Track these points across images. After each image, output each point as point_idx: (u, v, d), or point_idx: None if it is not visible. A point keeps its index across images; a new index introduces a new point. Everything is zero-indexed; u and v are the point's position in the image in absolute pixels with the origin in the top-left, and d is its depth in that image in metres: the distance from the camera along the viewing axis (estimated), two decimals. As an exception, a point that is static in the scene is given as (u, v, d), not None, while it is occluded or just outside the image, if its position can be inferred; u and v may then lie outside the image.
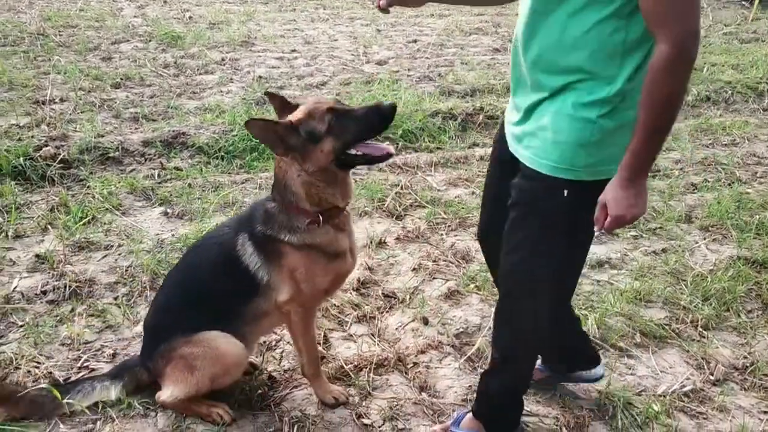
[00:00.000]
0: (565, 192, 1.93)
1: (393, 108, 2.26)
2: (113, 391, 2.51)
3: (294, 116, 2.26)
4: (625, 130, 1.83)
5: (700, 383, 2.86)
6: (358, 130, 2.23)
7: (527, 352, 2.36)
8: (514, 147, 2.10)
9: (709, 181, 4.88)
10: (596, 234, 1.93)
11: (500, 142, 2.24)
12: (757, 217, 4.26)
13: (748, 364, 2.97)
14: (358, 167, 4.72)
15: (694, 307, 3.32)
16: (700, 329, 3.20)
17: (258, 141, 2.25)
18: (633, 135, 1.79)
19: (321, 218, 2.31)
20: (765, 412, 2.73)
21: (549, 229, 2.04)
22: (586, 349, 2.71)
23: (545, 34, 1.87)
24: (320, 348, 2.90)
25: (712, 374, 2.91)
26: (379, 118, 2.25)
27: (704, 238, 4.06)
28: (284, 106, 2.38)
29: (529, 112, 2.01)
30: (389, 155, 2.32)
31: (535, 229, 2.05)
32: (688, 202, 4.51)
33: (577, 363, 2.72)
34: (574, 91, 1.87)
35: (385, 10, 2.27)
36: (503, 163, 2.19)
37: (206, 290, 2.46)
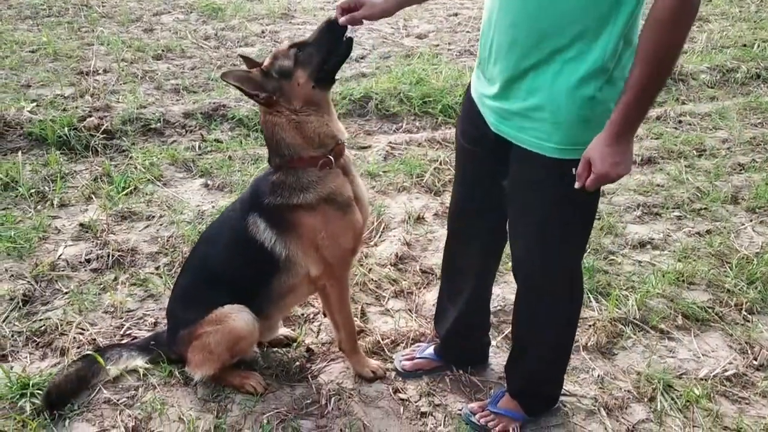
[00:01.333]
0: (573, 170, 1.85)
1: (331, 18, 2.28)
2: (139, 362, 2.56)
3: (263, 63, 2.29)
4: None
5: (743, 368, 2.80)
6: (321, 50, 2.24)
7: (561, 327, 2.32)
8: (497, 126, 2.00)
9: (757, 162, 4.74)
10: (576, 187, 1.85)
11: (470, 118, 2.14)
12: (807, 198, 4.13)
13: (793, 350, 2.91)
14: (398, 145, 4.70)
15: (739, 290, 3.25)
16: (744, 313, 3.13)
17: (240, 92, 2.23)
18: (625, 89, 1.70)
19: (332, 159, 2.30)
20: (810, 400, 2.67)
21: (562, 211, 1.99)
22: (486, 348, 2.74)
23: None
24: (358, 322, 2.92)
25: (756, 359, 2.85)
26: (331, 30, 2.25)
27: (750, 220, 3.96)
28: (255, 65, 2.36)
29: (508, 84, 1.90)
30: (349, 39, 2.30)
31: (548, 213, 2.01)
32: (734, 182, 4.39)
33: (470, 356, 2.72)
34: (565, 62, 1.77)
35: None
36: (480, 139, 2.12)
37: (224, 276, 2.44)
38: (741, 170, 4.62)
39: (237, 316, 2.37)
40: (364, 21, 2.23)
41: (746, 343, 2.94)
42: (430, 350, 2.73)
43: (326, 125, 2.29)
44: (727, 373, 2.76)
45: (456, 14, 8.23)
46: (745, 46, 7.18)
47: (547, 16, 1.74)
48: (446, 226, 2.58)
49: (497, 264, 2.56)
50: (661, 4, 1.60)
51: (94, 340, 2.76)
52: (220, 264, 2.47)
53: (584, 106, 1.80)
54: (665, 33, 1.62)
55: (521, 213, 2.10)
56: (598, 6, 1.70)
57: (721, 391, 2.67)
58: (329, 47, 2.26)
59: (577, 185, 1.83)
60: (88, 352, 2.54)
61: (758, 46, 7.15)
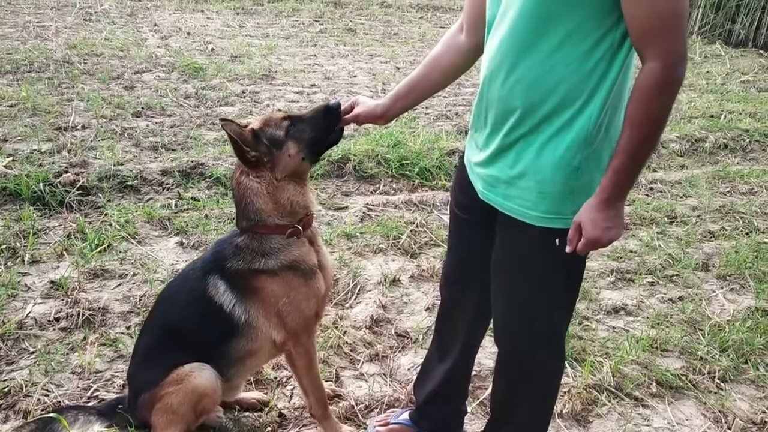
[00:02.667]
0: (557, 241, 1.88)
1: (338, 105, 2.33)
2: (96, 428, 2.43)
3: (253, 124, 2.29)
4: (605, 164, 1.80)
5: (718, 437, 2.80)
6: (314, 130, 2.28)
7: (540, 403, 2.28)
8: (485, 193, 2.03)
9: (726, 230, 4.85)
10: (567, 251, 1.87)
11: (462, 186, 2.19)
12: (776, 267, 4.21)
13: (767, 420, 2.91)
14: (375, 206, 4.73)
15: (711, 357, 3.27)
16: (718, 381, 3.14)
17: (231, 146, 2.22)
18: (615, 155, 1.73)
19: (301, 228, 2.30)
20: (784, 470, 2.66)
21: (546, 279, 1.99)
22: (462, 416, 2.69)
23: (524, 67, 1.80)
24: (333, 386, 2.87)
25: (730, 428, 2.85)
26: (329, 116, 2.30)
27: (722, 287, 4.02)
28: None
29: (498, 152, 1.93)
30: (341, 128, 2.36)
31: (532, 281, 2.01)
32: (705, 249, 4.47)
33: (450, 427, 2.68)
34: (552, 133, 1.81)
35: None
36: (472, 208, 2.15)
37: (182, 336, 2.39)
38: (711, 238, 4.72)
39: (198, 374, 2.32)
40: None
41: (720, 411, 2.94)
42: (405, 416, 2.69)
43: (301, 196, 2.31)
44: (701, 443, 2.75)
45: (433, 79, 8.41)
46: (712, 116, 7.43)
47: (537, 88, 1.79)
48: (439, 293, 2.54)
49: (485, 330, 2.54)
50: (647, 72, 1.65)
51: (59, 402, 2.68)
52: (178, 324, 2.42)
53: (570, 176, 1.83)
54: (651, 101, 1.66)
55: (507, 280, 2.08)
56: (586, 78, 1.75)
57: (696, 461, 2.66)
58: (323, 129, 2.30)
59: (568, 249, 1.85)
60: (48, 415, 2.43)
61: (725, 117, 7.40)
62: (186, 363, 2.33)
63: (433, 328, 3.36)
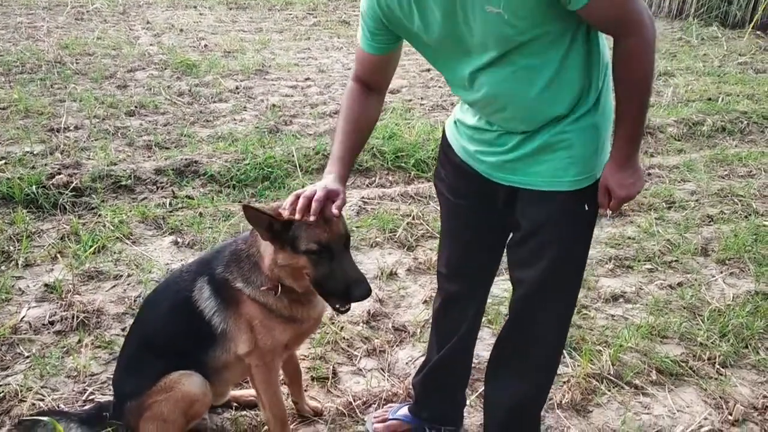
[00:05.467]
0: (586, 206, 1.98)
1: (363, 297, 2.10)
2: None
3: (294, 215, 2.00)
4: (607, 117, 1.97)
5: (719, 423, 2.78)
6: (331, 281, 2.08)
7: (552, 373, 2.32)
8: (500, 176, 2.05)
9: (725, 213, 4.81)
10: (607, 216, 2.02)
11: (457, 174, 2.20)
12: (776, 250, 4.18)
13: (768, 404, 2.90)
14: (371, 200, 4.70)
15: (712, 343, 3.25)
16: (718, 366, 3.12)
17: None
18: (619, 119, 1.86)
19: (279, 289, 2.20)
20: (786, 455, 2.65)
21: (576, 244, 2.07)
22: (462, 406, 2.67)
23: (517, 95, 1.87)
24: (317, 403, 2.79)
25: (731, 414, 2.83)
26: (348, 291, 2.07)
27: (721, 272, 3.99)
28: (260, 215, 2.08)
29: (519, 144, 1.98)
30: (349, 308, 2.16)
31: (564, 247, 2.04)
32: (704, 234, 4.44)
33: (449, 417, 2.64)
34: (574, 118, 1.92)
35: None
36: (474, 193, 2.16)
37: (164, 340, 2.36)
38: (710, 222, 4.68)
39: (188, 381, 2.29)
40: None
41: (721, 397, 2.92)
42: (404, 410, 2.66)
43: (294, 283, 2.18)
44: (702, 430, 2.74)
45: (429, 70, 8.36)
46: (710, 99, 7.38)
47: (547, 108, 1.90)
48: (438, 285, 2.51)
49: (482, 318, 2.57)
50: (624, 46, 1.75)
51: (56, 407, 2.66)
52: (160, 328, 2.39)
53: (594, 138, 1.94)
54: (638, 65, 1.78)
55: (537, 252, 2.06)
56: (584, 74, 1.88)
57: (697, 449, 2.64)
58: (335, 287, 2.09)
59: (602, 212, 2.02)
60: (37, 418, 2.39)
61: (722, 99, 7.35)
62: (172, 370, 2.30)
63: (431, 319, 3.35)
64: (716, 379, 3.05)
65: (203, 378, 2.32)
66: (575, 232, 2.04)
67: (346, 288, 2.06)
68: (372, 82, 2.17)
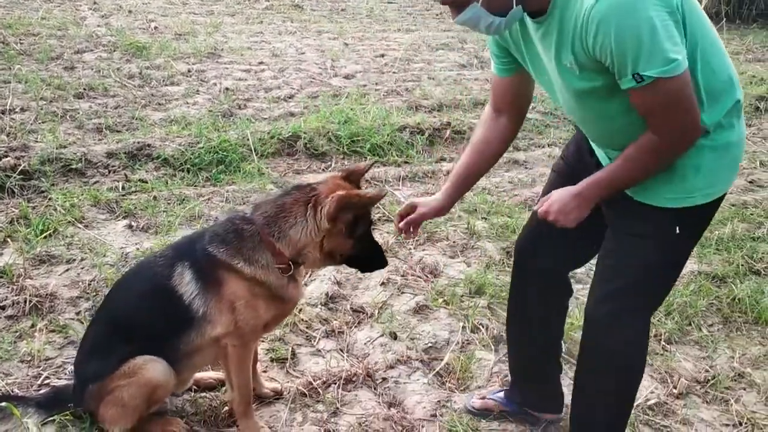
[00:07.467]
0: (677, 229, 2.03)
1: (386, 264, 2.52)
2: (33, 419, 2.34)
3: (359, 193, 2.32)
4: (726, 151, 1.98)
5: (664, 396, 2.91)
6: (368, 256, 2.40)
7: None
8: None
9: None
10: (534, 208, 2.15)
11: (577, 158, 2.30)
12: (716, 232, 4.35)
13: (709, 378, 3.04)
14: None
15: (658, 321, 3.38)
16: (663, 343, 3.26)
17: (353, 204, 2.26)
18: (605, 168, 1.97)
19: (292, 267, 2.31)
20: (726, 425, 2.79)
21: (664, 256, 2.12)
22: (559, 392, 2.71)
23: (597, 127, 2.09)
24: (276, 384, 2.81)
25: (675, 387, 2.96)
26: (382, 261, 2.46)
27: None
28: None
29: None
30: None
31: (651, 257, 2.10)
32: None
33: (544, 403, 2.69)
34: None
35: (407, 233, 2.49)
36: (579, 165, 2.26)
37: (134, 327, 2.36)
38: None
39: (151, 366, 2.29)
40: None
41: (666, 372, 3.05)
42: (501, 394, 2.72)
43: (317, 262, 2.38)
44: (649, 403, 2.85)
45: (383, 55, 8.39)
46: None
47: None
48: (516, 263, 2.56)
49: (568, 299, 2.63)
50: (647, 138, 1.86)
51: (10, 391, 2.61)
52: (130, 313, 2.39)
53: (694, 154, 1.93)
54: (645, 160, 1.91)
55: (618, 259, 2.15)
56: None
57: (644, 420, 2.76)
58: (372, 260, 2.44)
59: (534, 208, 2.12)
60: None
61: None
62: (137, 355, 2.30)
63: (388, 302, 3.40)
64: (662, 354, 3.18)
65: (167, 364, 2.32)
66: (662, 247, 2.10)
67: (376, 263, 2.46)
68: (501, 106, 2.33)
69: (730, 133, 1.98)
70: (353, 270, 3.65)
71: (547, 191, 2.36)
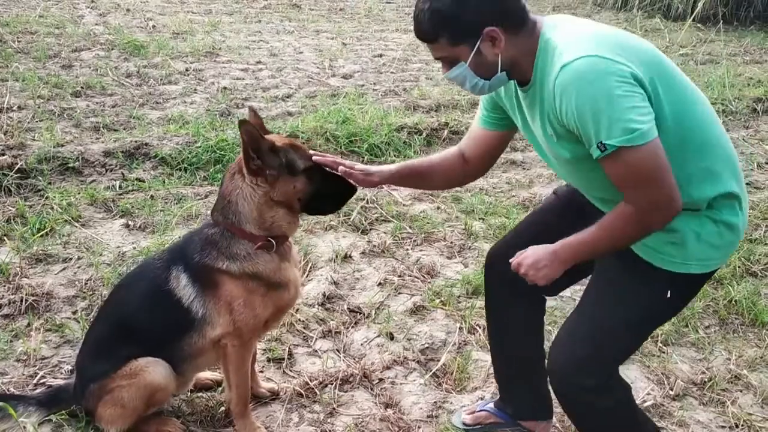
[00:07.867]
0: (668, 293, 1.99)
1: (354, 192, 2.41)
2: (34, 418, 2.36)
3: (278, 140, 2.26)
4: (728, 230, 1.95)
5: (661, 398, 2.91)
6: (328, 188, 2.32)
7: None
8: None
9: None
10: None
11: (577, 192, 2.25)
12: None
13: (706, 380, 3.04)
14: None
15: (655, 322, 3.38)
16: (660, 345, 3.26)
17: (240, 146, 2.19)
18: (583, 233, 1.91)
19: (274, 243, 2.30)
20: (722, 427, 2.79)
21: (646, 315, 2.08)
22: (547, 398, 2.66)
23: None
24: (273, 384, 2.81)
25: (672, 389, 2.96)
26: (347, 187, 2.35)
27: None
28: (260, 125, 2.35)
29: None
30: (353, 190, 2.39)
31: (633, 315, 2.05)
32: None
33: (533, 411, 2.65)
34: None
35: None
36: (571, 204, 2.26)
37: (137, 328, 2.36)
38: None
39: (152, 369, 2.29)
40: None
41: (662, 374, 3.05)
42: (491, 405, 2.69)
43: (286, 222, 2.32)
44: (645, 404, 2.85)
45: (381, 55, 8.40)
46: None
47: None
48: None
49: (545, 305, 2.55)
50: (620, 211, 1.84)
51: (6, 390, 2.61)
52: (133, 314, 2.39)
53: (694, 221, 1.92)
54: (619, 229, 1.87)
55: (599, 309, 2.10)
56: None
57: (640, 422, 2.75)
58: (335, 190, 2.34)
59: (510, 260, 2.05)
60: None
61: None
62: (140, 356, 2.30)
63: (385, 303, 3.40)
64: (658, 356, 3.18)
65: (169, 367, 2.33)
66: (647, 301, 2.05)
67: (341, 190, 2.35)
68: (468, 151, 2.33)
69: (733, 217, 1.96)
70: (350, 270, 3.67)
71: (543, 209, 2.45)
